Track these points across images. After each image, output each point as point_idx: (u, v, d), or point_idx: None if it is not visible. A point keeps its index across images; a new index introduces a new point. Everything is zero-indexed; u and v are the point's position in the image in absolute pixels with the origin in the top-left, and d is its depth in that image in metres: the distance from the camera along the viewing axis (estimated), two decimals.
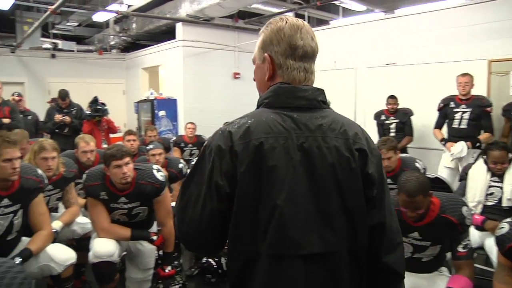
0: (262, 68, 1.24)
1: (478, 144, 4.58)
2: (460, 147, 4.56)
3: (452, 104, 4.73)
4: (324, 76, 6.84)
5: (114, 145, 2.93)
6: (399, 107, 5.52)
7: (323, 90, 1.24)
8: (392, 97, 5.52)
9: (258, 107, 1.23)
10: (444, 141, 4.80)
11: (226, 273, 3.04)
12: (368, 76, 6.40)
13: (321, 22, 8.90)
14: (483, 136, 4.62)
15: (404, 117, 5.46)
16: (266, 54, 1.21)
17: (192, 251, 1.23)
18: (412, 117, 5.44)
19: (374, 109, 5.82)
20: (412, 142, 5.46)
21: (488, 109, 4.58)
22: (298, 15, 8.24)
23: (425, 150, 5.55)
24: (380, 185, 1.19)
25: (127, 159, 2.70)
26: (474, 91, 4.66)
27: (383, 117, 5.62)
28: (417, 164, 3.41)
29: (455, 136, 4.71)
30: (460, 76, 4.62)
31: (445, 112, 4.82)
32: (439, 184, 3.34)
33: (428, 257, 2.25)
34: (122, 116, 10.01)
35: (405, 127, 5.45)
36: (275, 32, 1.20)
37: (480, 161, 3.39)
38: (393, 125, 5.53)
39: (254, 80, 1.31)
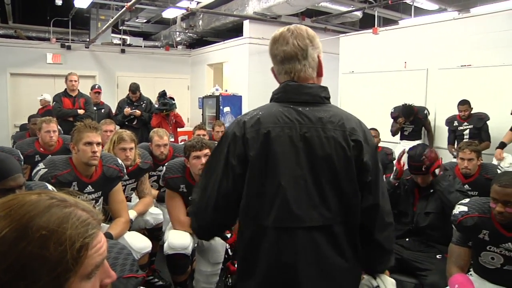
0: None
1: None
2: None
3: None
4: (393, 77, 6.66)
5: (196, 137, 2.98)
6: (474, 111, 5.24)
7: (327, 87, 1.42)
8: (462, 103, 5.22)
9: (270, 101, 1.44)
10: None
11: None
12: (441, 78, 6.12)
13: (390, 21, 8.66)
14: None
15: (479, 122, 5.16)
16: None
17: (204, 229, 1.36)
18: (488, 122, 5.14)
19: (446, 113, 5.57)
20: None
21: None
22: (366, 14, 8.07)
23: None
24: (374, 172, 1.37)
25: (207, 150, 2.73)
26: None
27: (455, 123, 5.35)
28: (499, 171, 3.22)
29: None
30: None
31: None
32: None
33: None
34: (186, 111, 10.22)
35: (481, 133, 5.13)
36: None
37: None
38: (466, 131, 5.24)
39: None
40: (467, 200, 2.26)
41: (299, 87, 1.37)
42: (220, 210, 1.39)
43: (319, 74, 1.43)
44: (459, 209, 2.19)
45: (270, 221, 1.31)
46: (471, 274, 2.28)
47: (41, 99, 6.88)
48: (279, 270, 1.33)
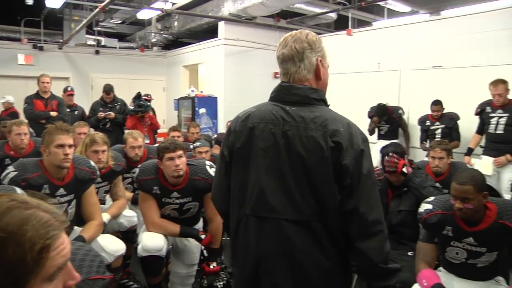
0: None
1: None
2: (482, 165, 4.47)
3: (488, 109, 4.59)
4: (367, 78, 6.76)
5: (169, 139, 2.96)
6: (445, 111, 5.37)
7: (319, 90, 1.46)
8: (435, 103, 5.35)
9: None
10: (482, 148, 4.72)
11: None
12: (413, 79, 6.26)
13: (363, 23, 8.78)
14: None
15: (450, 122, 5.30)
16: None
17: (225, 215, 1.63)
18: (458, 122, 5.28)
19: (419, 113, 5.70)
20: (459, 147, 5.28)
21: None
22: (341, 16, 8.16)
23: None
24: (356, 176, 1.34)
25: (180, 152, 2.71)
26: None
27: (428, 123, 5.47)
28: None
29: (492, 141, 4.58)
30: (492, 87, 4.45)
31: (482, 117, 4.69)
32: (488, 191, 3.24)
33: (484, 263, 2.17)
34: (161, 112, 10.11)
35: (452, 132, 5.27)
36: None
37: None
38: (438, 131, 5.36)
39: None
40: (432, 198, 2.33)
41: (290, 88, 1.44)
42: (225, 197, 1.55)
43: (318, 77, 1.46)
44: (424, 207, 2.26)
45: (248, 209, 1.42)
46: (440, 270, 2.34)
47: (3, 102, 6.69)
48: (255, 258, 1.41)
